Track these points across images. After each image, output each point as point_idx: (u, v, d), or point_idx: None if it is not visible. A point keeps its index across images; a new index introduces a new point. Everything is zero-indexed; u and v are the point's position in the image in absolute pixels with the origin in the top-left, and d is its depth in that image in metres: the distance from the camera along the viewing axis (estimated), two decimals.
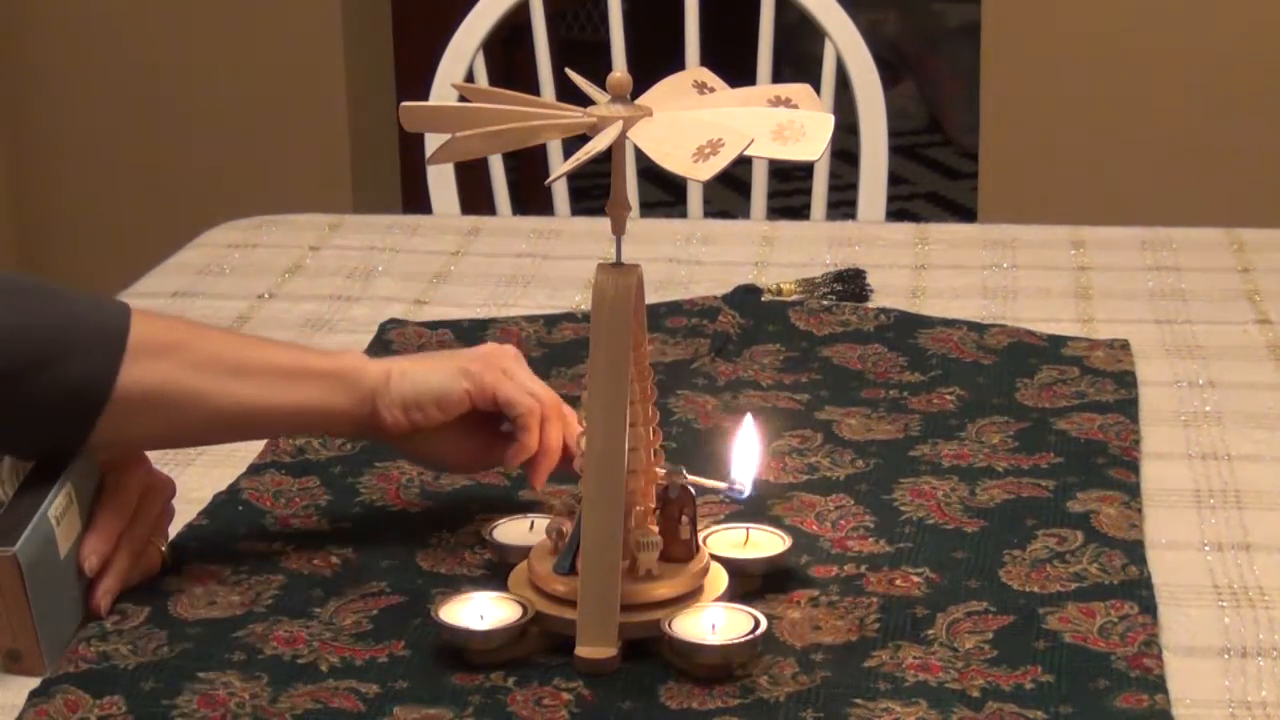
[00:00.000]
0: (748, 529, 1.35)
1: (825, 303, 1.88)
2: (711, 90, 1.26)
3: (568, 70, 1.29)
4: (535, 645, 1.25)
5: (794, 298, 1.90)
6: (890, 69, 5.20)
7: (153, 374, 1.30)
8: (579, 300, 1.92)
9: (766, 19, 2.47)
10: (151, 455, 1.38)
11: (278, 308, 1.92)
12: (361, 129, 3.80)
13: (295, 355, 1.39)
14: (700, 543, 1.29)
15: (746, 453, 1.38)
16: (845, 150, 2.53)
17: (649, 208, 3.77)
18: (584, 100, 1.24)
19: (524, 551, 1.31)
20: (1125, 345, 1.77)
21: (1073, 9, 3.37)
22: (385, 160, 3.93)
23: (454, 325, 1.84)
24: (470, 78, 2.44)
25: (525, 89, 1.30)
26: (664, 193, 4.68)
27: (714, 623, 1.23)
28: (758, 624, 1.23)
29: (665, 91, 1.26)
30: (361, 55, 3.82)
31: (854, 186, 2.43)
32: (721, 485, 1.37)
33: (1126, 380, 1.69)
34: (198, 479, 1.50)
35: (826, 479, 1.50)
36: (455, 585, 1.33)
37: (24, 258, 3.82)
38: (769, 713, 1.18)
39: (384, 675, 1.22)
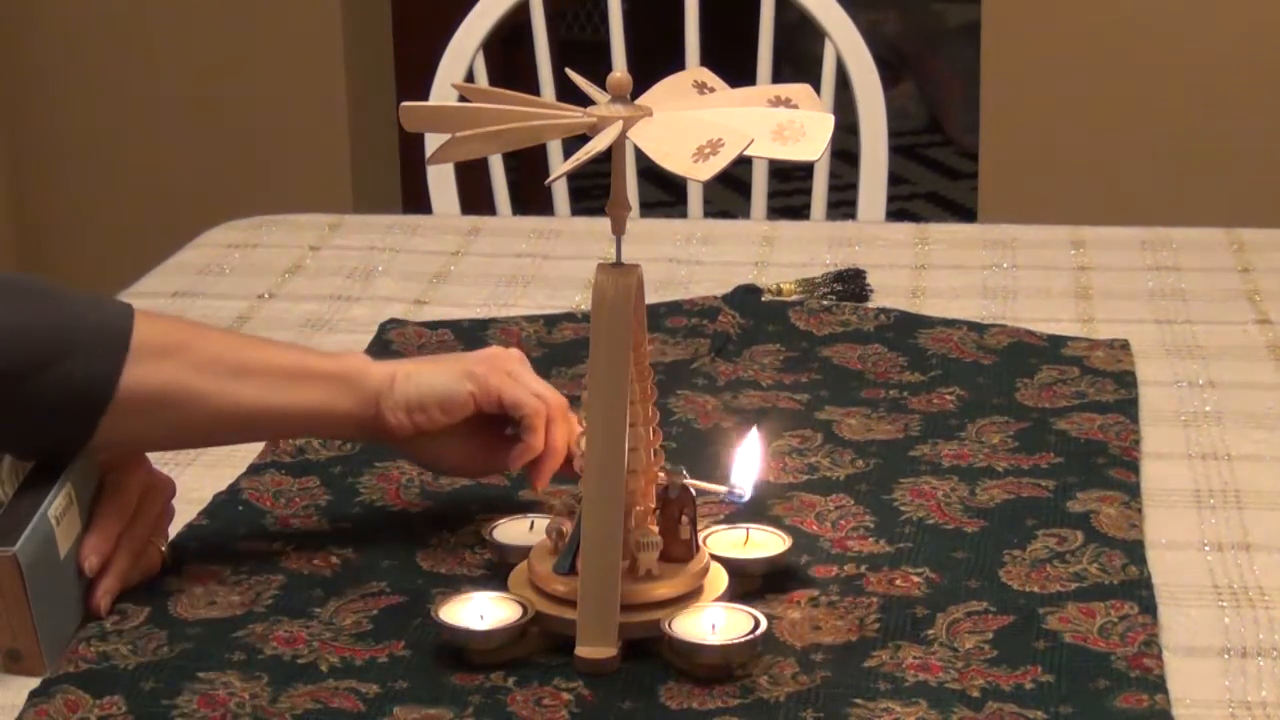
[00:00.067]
0: (748, 529, 1.35)
1: (825, 303, 1.88)
2: (711, 90, 1.26)
3: (568, 70, 1.29)
4: (535, 645, 1.25)
5: (794, 298, 1.90)
6: (890, 69, 5.20)
7: (156, 375, 1.30)
8: (579, 300, 1.92)
9: (766, 19, 2.47)
10: (151, 455, 1.38)
11: (278, 308, 1.92)
12: (361, 129, 3.80)
13: (298, 357, 1.38)
14: (700, 543, 1.29)
15: (748, 459, 1.38)
16: (845, 150, 2.53)
17: (649, 208, 3.77)
18: (584, 100, 1.24)
19: (524, 551, 1.31)
20: (1125, 345, 1.77)
21: (1073, 9, 3.37)
22: (385, 160, 3.93)
23: (454, 325, 1.84)
24: (470, 78, 2.44)
25: (525, 89, 1.30)
26: (664, 193, 4.68)
27: (714, 623, 1.23)
28: (758, 624, 1.23)
29: (665, 91, 1.26)
30: (361, 55, 3.82)
31: (854, 186, 2.43)
32: (721, 489, 1.37)
33: (1126, 380, 1.69)
34: (198, 479, 1.50)
35: (826, 479, 1.50)
36: (455, 585, 1.33)
37: (24, 258, 3.82)
38: (769, 713, 1.18)
39: (384, 675, 1.22)
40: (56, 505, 1.27)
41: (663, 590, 1.25)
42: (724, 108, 1.23)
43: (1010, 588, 1.32)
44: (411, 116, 1.23)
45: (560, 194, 2.55)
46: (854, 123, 2.41)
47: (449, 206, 2.43)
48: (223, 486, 1.49)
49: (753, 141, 1.17)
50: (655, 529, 1.26)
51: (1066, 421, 1.60)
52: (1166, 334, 1.82)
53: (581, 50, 4.92)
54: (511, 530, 1.36)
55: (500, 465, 1.40)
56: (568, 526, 1.27)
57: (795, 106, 1.23)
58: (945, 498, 1.46)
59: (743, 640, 1.22)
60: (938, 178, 5.19)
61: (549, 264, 2.04)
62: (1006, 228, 2.15)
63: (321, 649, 1.25)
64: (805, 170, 2.92)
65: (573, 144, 1.24)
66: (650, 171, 2.67)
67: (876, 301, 1.90)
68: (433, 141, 1.25)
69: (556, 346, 1.79)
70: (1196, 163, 3.36)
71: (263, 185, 3.72)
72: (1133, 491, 1.47)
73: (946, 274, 1.99)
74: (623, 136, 1.19)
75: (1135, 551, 1.37)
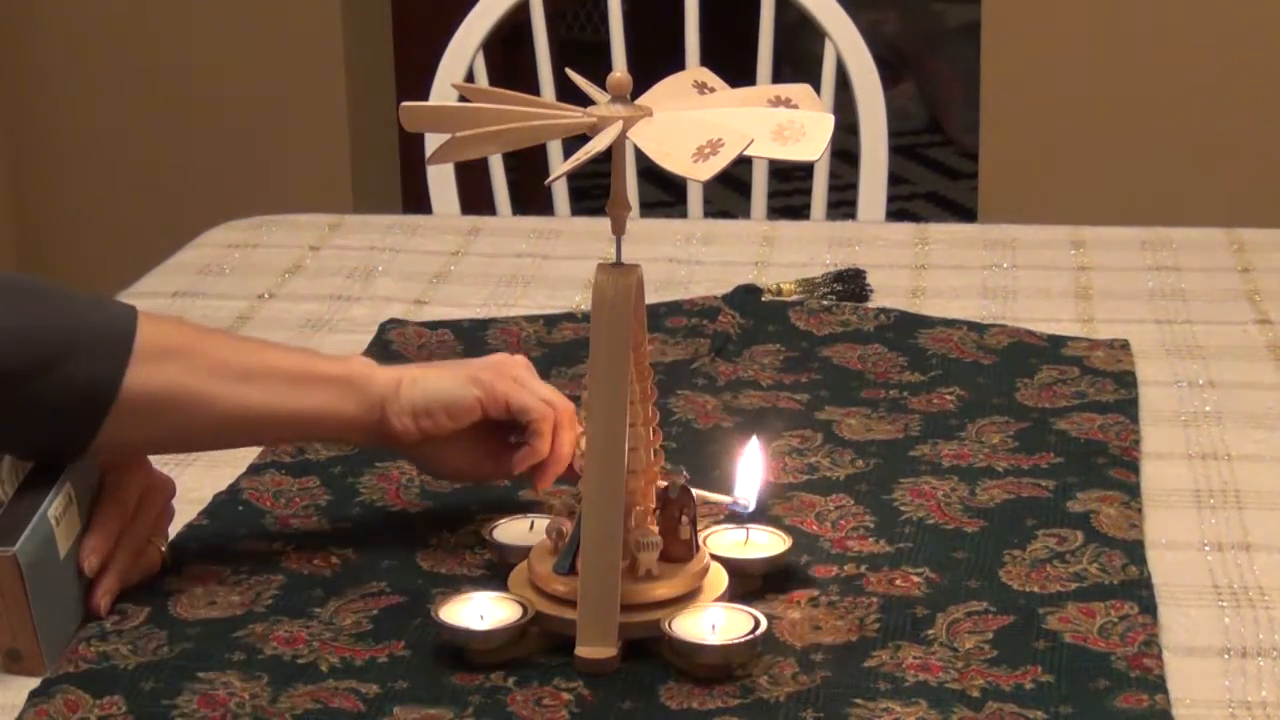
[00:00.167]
0: (748, 529, 1.35)
1: (825, 303, 1.88)
2: (711, 90, 1.26)
3: (568, 70, 1.29)
4: (535, 645, 1.25)
5: (794, 298, 1.90)
6: (890, 69, 5.20)
7: (159, 377, 1.30)
8: (579, 300, 1.92)
9: (766, 19, 2.47)
10: (152, 456, 1.38)
11: (278, 308, 1.92)
12: (361, 129, 3.80)
13: (304, 360, 1.38)
14: (700, 543, 1.29)
15: (751, 471, 1.38)
16: (845, 150, 2.53)
17: (649, 208, 3.77)
18: (584, 100, 1.24)
19: (524, 551, 1.31)
20: (1125, 345, 1.77)
21: (1073, 9, 3.37)
22: (385, 160, 3.93)
23: (454, 325, 1.84)
24: (470, 78, 2.44)
25: (525, 89, 1.30)
26: (664, 193, 4.68)
27: (714, 623, 1.23)
28: (758, 624, 1.23)
29: (665, 91, 1.26)
30: (361, 55, 3.82)
31: (854, 186, 2.43)
32: (726, 499, 1.37)
33: (1126, 380, 1.69)
34: (198, 479, 1.50)
35: (826, 479, 1.50)
36: (455, 585, 1.32)
37: (24, 258, 3.82)
38: (769, 713, 1.18)
39: (384, 675, 1.22)
40: (56, 505, 1.27)
41: (663, 590, 1.25)
42: (724, 108, 1.23)
43: (1010, 588, 1.32)
44: (411, 116, 1.23)
45: (560, 194, 2.54)
46: (854, 123, 2.41)
47: (449, 206, 2.43)
48: (223, 486, 1.49)
49: (753, 141, 1.17)
50: (655, 529, 1.26)
51: (1066, 421, 1.60)
52: (1166, 334, 1.82)
53: (581, 50, 4.92)
54: (511, 530, 1.36)
55: (504, 471, 1.40)
56: (568, 526, 1.27)
57: (795, 106, 1.23)
58: (945, 498, 1.46)
59: (743, 640, 1.22)
60: (938, 178, 5.19)
61: (549, 264, 2.04)
62: (1006, 228, 2.15)
63: (321, 649, 1.25)
64: (805, 170, 2.92)
65: (573, 144, 1.24)
66: (650, 171, 2.67)
67: (876, 301, 1.90)
68: (433, 141, 1.25)
69: (556, 346, 1.79)
70: (1196, 163, 3.36)
71: (263, 185, 3.72)
72: (1133, 491, 1.47)
73: (946, 274, 1.99)
74: (623, 136, 1.19)
75: (1135, 551, 1.37)
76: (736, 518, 1.37)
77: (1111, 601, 1.30)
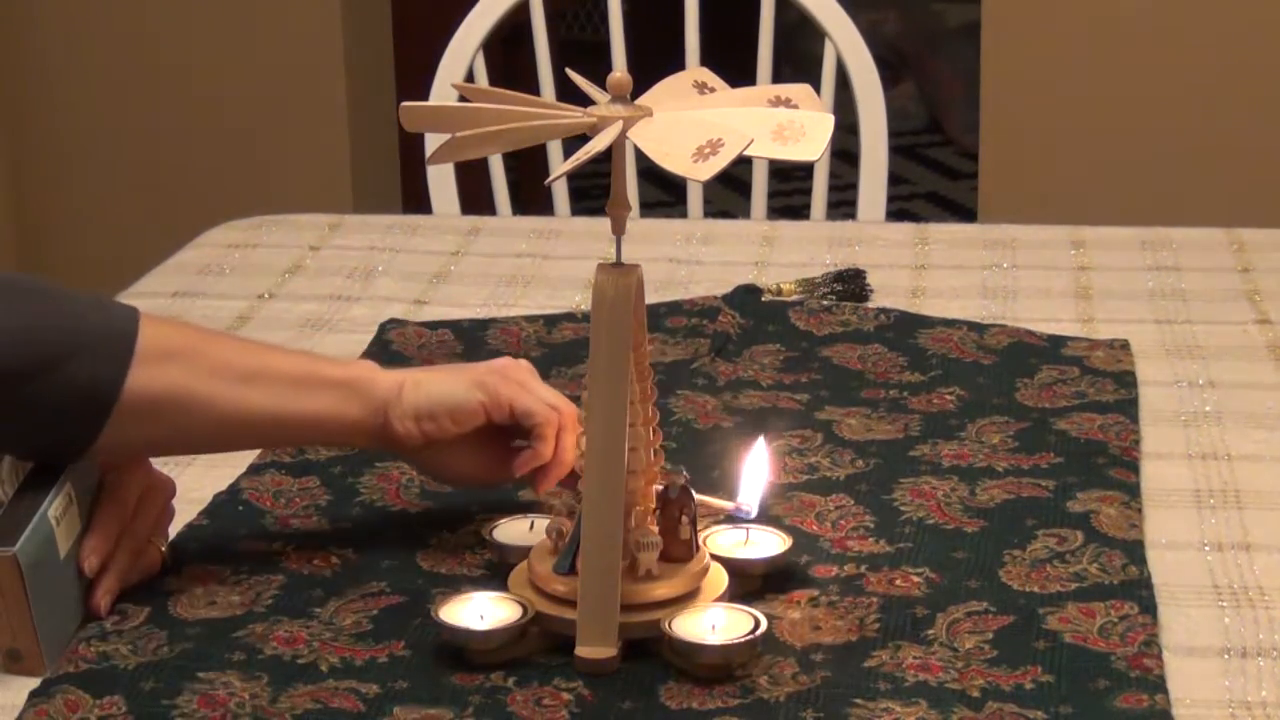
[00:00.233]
0: (748, 529, 1.35)
1: (825, 303, 1.88)
2: (711, 90, 1.26)
3: (568, 70, 1.29)
4: (535, 645, 1.25)
5: (794, 298, 1.90)
6: (890, 69, 5.20)
7: (161, 379, 1.30)
8: (579, 300, 1.92)
9: (766, 19, 2.47)
10: (153, 457, 1.38)
11: (278, 308, 1.92)
12: (361, 129, 3.80)
13: (307, 363, 1.38)
14: (700, 543, 1.29)
15: (755, 476, 1.38)
16: (845, 150, 2.53)
17: (649, 208, 3.77)
18: (584, 100, 1.23)
19: (524, 551, 1.31)
20: (1125, 345, 1.77)
21: (1073, 9, 3.37)
22: (385, 160, 3.93)
23: (454, 325, 1.84)
24: (470, 78, 2.44)
25: (525, 89, 1.30)
26: (664, 193, 4.68)
27: (714, 623, 1.23)
28: (758, 624, 1.23)
29: (665, 91, 1.26)
30: (361, 55, 3.82)
31: (854, 186, 2.43)
32: (729, 505, 1.37)
33: (1126, 380, 1.69)
34: (198, 479, 1.50)
35: (826, 479, 1.50)
36: (455, 585, 1.32)
37: (24, 258, 3.82)
38: (769, 713, 1.18)
39: (384, 675, 1.22)
40: (56, 505, 1.27)
41: (663, 590, 1.25)
42: (724, 108, 1.23)
43: (1010, 588, 1.32)
44: (411, 116, 1.23)
45: (560, 194, 2.55)
46: (854, 123, 2.41)
47: (449, 206, 2.43)
48: (223, 486, 1.49)
49: (753, 141, 1.17)
50: (655, 529, 1.26)
51: (1066, 421, 1.60)
52: (1166, 334, 1.82)
53: (581, 50, 4.92)
54: (511, 530, 1.36)
55: (506, 476, 1.40)
56: (568, 526, 1.27)
57: (795, 106, 1.23)
58: (945, 498, 1.46)
59: (743, 640, 1.22)
60: (938, 178, 5.19)
61: (549, 264, 2.04)
62: (1006, 228, 2.15)
63: (321, 649, 1.25)
64: (805, 170, 2.92)
65: (573, 144, 1.24)
66: (650, 171, 2.67)
67: (876, 301, 1.90)
68: (433, 141, 1.25)
69: (556, 346, 1.79)
70: (1196, 163, 3.36)
71: (263, 185, 3.72)
72: (1133, 491, 1.47)
73: (946, 274, 1.99)
74: (623, 136, 1.19)
75: (1135, 551, 1.37)
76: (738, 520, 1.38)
77: (1111, 601, 1.30)
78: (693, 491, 1.28)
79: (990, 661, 1.23)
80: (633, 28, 2.59)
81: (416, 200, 3.62)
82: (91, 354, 1.27)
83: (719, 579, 1.29)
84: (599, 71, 1.27)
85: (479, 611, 1.25)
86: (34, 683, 1.22)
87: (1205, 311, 1.87)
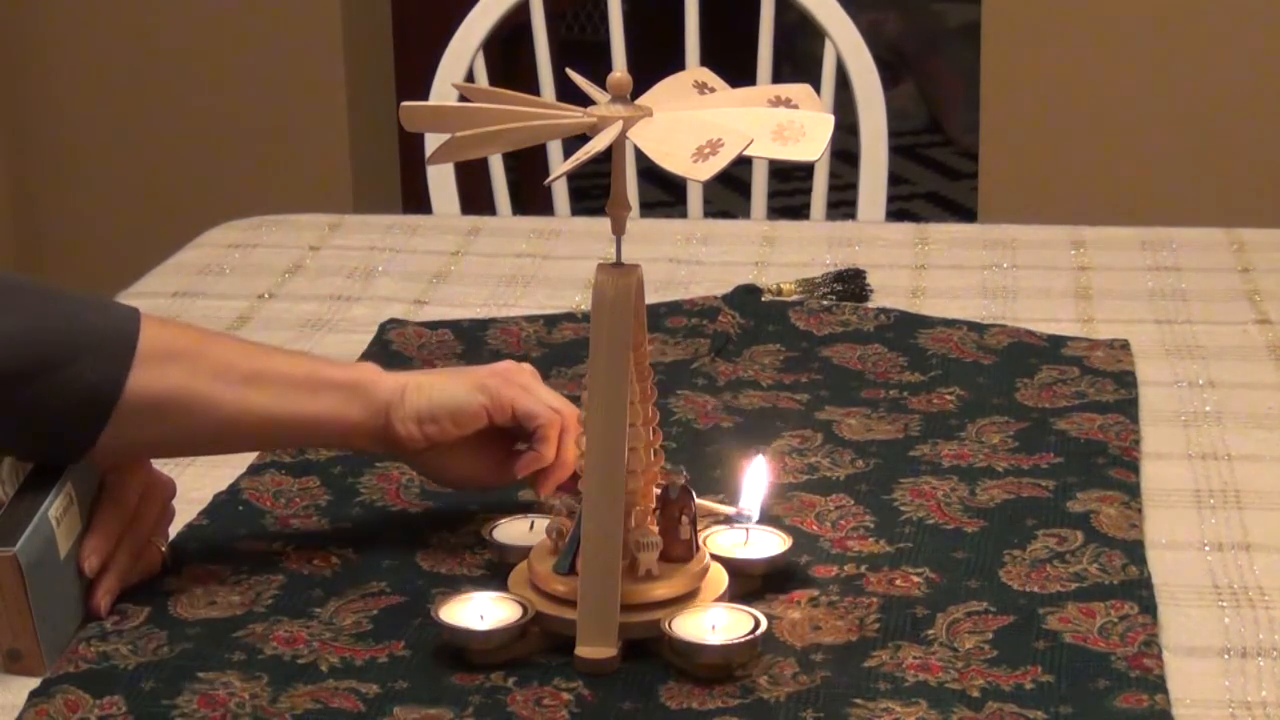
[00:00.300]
0: (748, 529, 1.35)
1: (825, 303, 1.88)
2: (711, 90, 1.26)
3: (568, 70, 1.29)
4: (535, 645, 1.25)
5: (794, 298, 1.90)
6: (890, 69, 5.20)
7: (163, 380, 1.30)
8: (579, 300, 1.92)
9: (766, 19, 2.47)
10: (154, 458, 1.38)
11: (278, 308, 1.92)
12: (361, 129, 3.80)
13: (309, 366, 1.37)
14: (700, 543, 1.29)
15: (755, 484, 1.38)
16: (845, 150, 2.53)
17: (649, 208, 3.77)
18: (584, 100, 1.23)
19: (524, 551, 1.31)
20: (1125, 345, 1.77)
21: (1072, 9, 3.37)
22: (385, 160, 3.93)
23: (454, 325, 1.84)
24: (470, 78, 2.44)
25: (525, 89, 1.30)
26: (664, 193, 4.68)
27: (714, 623, 1.23)
28: (758, 624, 1.23)
29: (665, 91, 1.26)
30: (361, 55, 3.82)
31: (854, 186, 2.43)
32: (730, 510, 1.37)
33: (1126, 380, 1.69)
34: (198, 479, 1.50)
35: (826, 479, 1.50)
36: (455, 585, 1.32)
37: (24, 258, 3.82)
38: (769, 713, 1.18)
39: (384, 675, 1.22)
40: (57, 506, 1.27)
41: (663, 590, 1.25)
42: (724, 108, 1.23)
43: (1010, 588, 1.32)
44: (411, 116, 1.23)
45: (560, 194, 2.55)
46: (854, 123, 2.41)
47: (449, 206, 2.43)
48: (223, 486, 1.49)
49: (752, 141, 1.17)
50: (655, 529, 1.26)
51: (1066, 421, 1.60)
52: (1166, 334, 1.82)
53: (581, 50, 4.92)
54: (511, 530, 1.36)
55: (507, 479, 1.40)
56: (568, 526, 1.27)
57: (795, 106, 1.23)
58: (945, 498, 1.46)
59: (743, 640, 1.22)
60: (938, 178, 5.19)
61: (549, 264, 2.04)
62: (1006, 228, 2.15)
63: (321, 649, 1.25)
64: (805, 170, 2.92)
65: (573, 144, 1.24)
66: (650, 171, 2.67)
67: (876, 301, 1.90)
68: (433, 141, 1.25)
69: (556, 346, 1.79)
70: (1196, 163, 3.36)
71: (263, 185, 3.72)
72: (1133, 491, 1.47)
73: (946, 274, 1.99)
74: (623, 136, 1.19)
75: (1135, 551, 1.37)
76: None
77: (1111, 601, 1.30)
78: (693, 493, 1.28)
79: (990, 661, 1.23)
80: (633, 28, 2.59)
81: (416, 200, 3.62)
82: (92, 355, 1.27)
83: (719, 579, 1.29)
84: (599, 71, 1.26)
85: (479, 611, 1.25)
86: (34, 683, 1.22)
87: (1205, 311, 1.87)
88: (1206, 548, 1.40)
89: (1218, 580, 1.35)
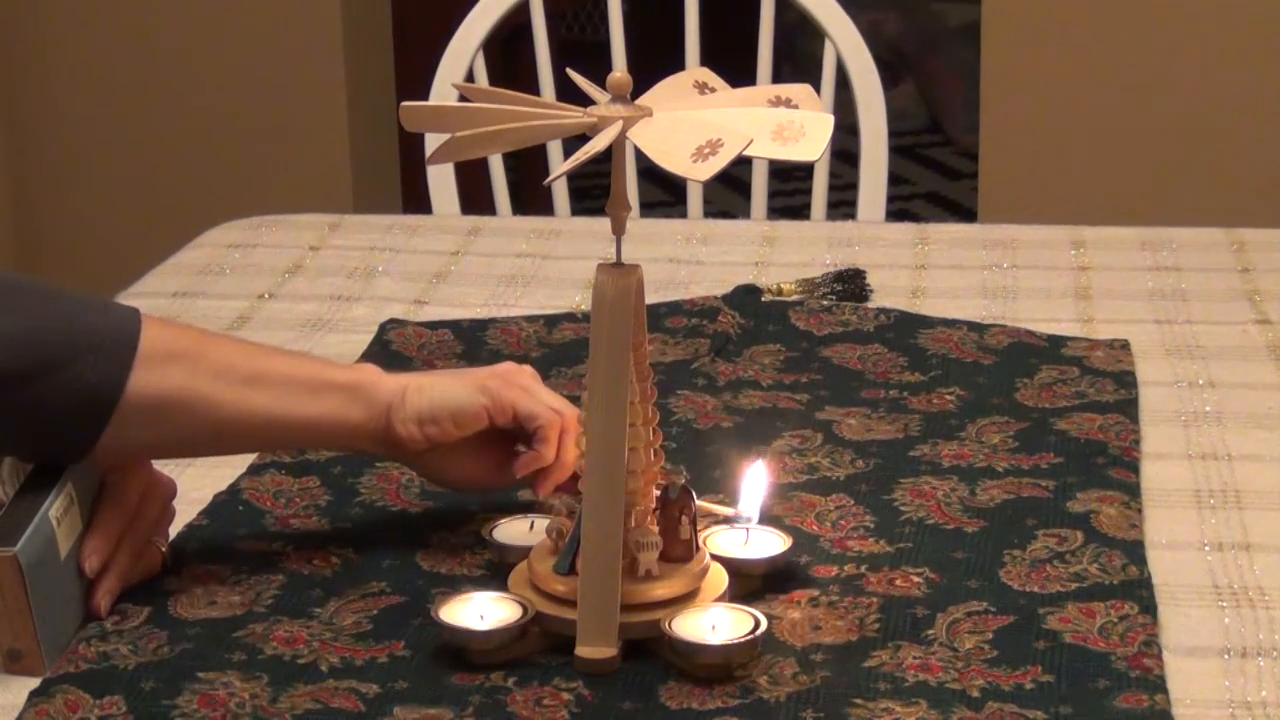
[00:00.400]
0: (748, 529, 1.35)
1: (825, 303, 1.88)
2: (712, 90, 1.26)
3: (568, 70, 1.29)
4: (535, 645, 1.25)
5: (794, 298, 1.90)
6: (890, 69, 5.20)
7: (164, 380, 1.30)
8: (579, 300, 1.92)
9: (766, 19, 2.47)
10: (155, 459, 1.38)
11: (278, 308, 1.92)
12: (361, 129, 3.80)
13: (310, 366, 1.38)
14: (700, 543, 1.29)
15: (755, 488, 1.38)
16: (845, 150, 2.53)
17: (649, 208, 3.77)
18: (584, 100, 1.23)
19: (524, 551, 1.31)
20: (1125, 345, 1.77)
21: (1073, 9, 3.38)
22: (385, 160, 3.93)
23: (454, 325, 1.84)
24: (470, 78, 2.44)
25: (525, 89, 1.30)
26: (664, 193, 4.68)
27: (714, 623, 1.23)
28: (758, 624, 1.23)
29: (665, 91, 1.26)
30: (361, 55, 3.82)
31: (854, 186, 2.43)
32: (729, 512, 1.37)
33: (1126, 380, 1.69)
34: (198, 479, 1.50)
35: (826, 479, 1.50)
36: (455, 585, 1.32)
37: (24, 258, 3.82)
38: (769, 713, 1.18)
39: (384, 675, 1.22)
40: (57, 506, 1.27)
41: (663, 590, 1.25)
42: (724, 108, 1.23)
43: (1010, 588, 1.32)
44: (411, 116, 1.23)
45: (560, 194, 2.55)
46: (854, 123, 2.41)
47: (449, 206, 2.43)
48: (223, 486, 1.49)
49: (752, 141, 1.17)
50: (655, 529, 1.26)
51: (1066, 421, 1.60)
52: (1166, 334, 1.82)
53: (581, 50, 4.92)
54: (511, 530, 1.36)
55: (507, 480, 1.40)
56: (568, 526, 1.27)
57: (795, 106, 1.23)
58: (945, 498, 1.46)
59: (743, 640, 1.22)
60: (938, 178, 5.19)
61: (549, 264, 2.04)
62: (1006, 228, 2.15)
63: (321, 649, 1.25)
64: (805, 170, 2.92)
65: (573, 144, 1.24)
66: (650, 171, 2.67)
67: (876, 301, 1.90)
68: (433, 141, 1.25)
69: (556, 346, 1.79)
70: (1196, 163, 3.36)
71: (263, 185, 3.72)
72: (1133, 491, 1.47)
73: (946, 274, 1.99)
74: (623, 136, 1.19)
75: (1135, 551, 1.37)
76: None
77: (1111, 601, 1.30)
78: (693, 493, 1.28)
79: (990, 661, 1.23)
80: (633, 28, 2.59)
81: (416, 200, 3.62)
82: (93, 356, 1.27)
83: (719, 579, 1.29)
84: (599, 71, 1.27)
85: (479, 611, 1.25)
86: (34, 683, 1.22)
87: (1205, 311, 1.87)
88: (1206, 548, 1.40)
89: (1218, 580, 1.35)
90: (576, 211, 2.52)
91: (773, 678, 1.21)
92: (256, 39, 3.72)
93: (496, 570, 1.34)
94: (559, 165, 2.24)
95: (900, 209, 4.74)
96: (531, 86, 1.88)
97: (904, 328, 1.81)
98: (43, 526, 1.25)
